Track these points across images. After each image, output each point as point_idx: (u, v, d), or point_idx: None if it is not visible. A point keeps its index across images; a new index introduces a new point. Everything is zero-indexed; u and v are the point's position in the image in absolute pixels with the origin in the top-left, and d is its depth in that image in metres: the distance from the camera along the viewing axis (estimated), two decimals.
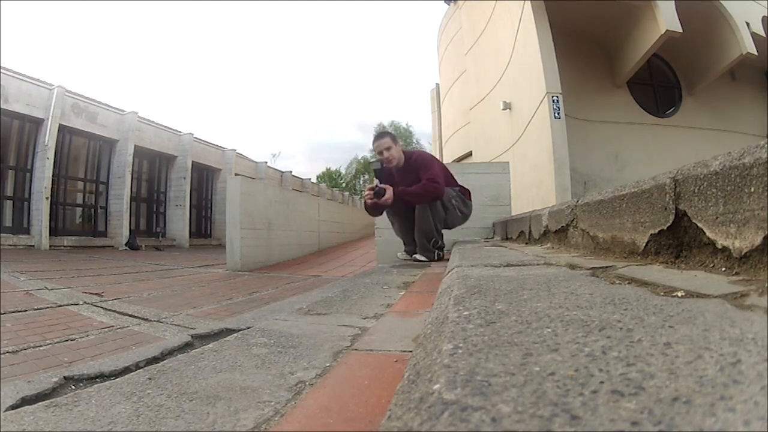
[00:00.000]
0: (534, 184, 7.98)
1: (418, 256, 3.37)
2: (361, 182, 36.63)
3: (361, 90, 77.06)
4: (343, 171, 37.65)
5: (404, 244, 3.72)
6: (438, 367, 0.43)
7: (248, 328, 1.29)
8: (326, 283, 3.94)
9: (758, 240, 0.70)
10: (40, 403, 0.73)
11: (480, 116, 11.55)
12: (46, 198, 8.63)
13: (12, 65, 9.61)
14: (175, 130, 12.78)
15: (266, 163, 17.16)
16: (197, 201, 14.00)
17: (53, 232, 9.06)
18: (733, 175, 0.76)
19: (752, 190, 0.71)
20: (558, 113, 7.24)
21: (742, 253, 0.75)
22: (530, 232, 2.64)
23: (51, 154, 8.76)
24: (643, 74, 8.81)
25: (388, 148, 3.31)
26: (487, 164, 6.23)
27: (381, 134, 3.39)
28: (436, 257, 3.31)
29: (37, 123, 8.87)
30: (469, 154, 12.49)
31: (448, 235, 4.69)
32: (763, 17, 8.41)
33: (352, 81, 74.96)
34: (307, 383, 0.78)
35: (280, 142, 66.92)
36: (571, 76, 7.98)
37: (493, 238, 4.33)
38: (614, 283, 0.84)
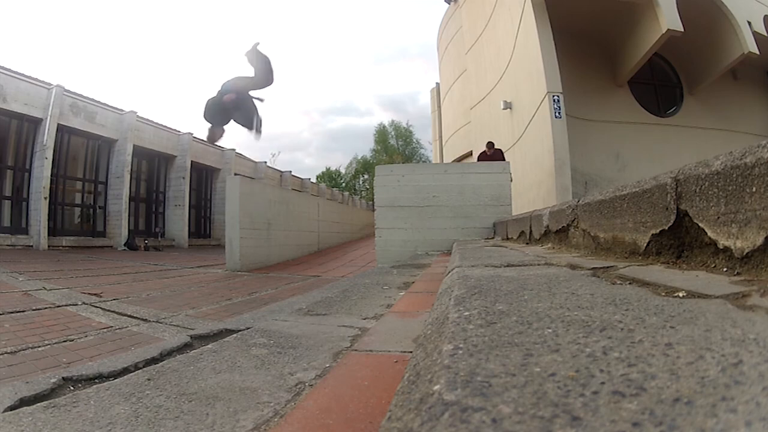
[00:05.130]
0: (535, 183, 7.98)
1: None
2: (361, 182, 36.64)
3: (361, 89, 77.08)
4: (342, 171, 37.70)
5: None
6: (438, 368, 0.43)
7: (248, 328, 1.28)
8: (326, 284, 3.94)
9: (760, 240, 0.70)
10: (38, 404, 0.73)
11: (480, 116, 11.56)
12: (45, 198, 8.62)
13: (10, 64, 9.56)
14: (174, 130, 12.76)
15: (265, 162, 17.17)
16: (196, 201, 14.00)
17: (52, 232, 9.04)
18: (734, 175, 0.76)
19: (754, 190, 0.71)
20: (559, 113, 7.24)
21: (744, 254, 0.75)
22: (531, 232, 2.64)
23: (49, 154, 8.74)
24: (645, 74, 8.81)
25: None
26: (487, 164, 6.22)
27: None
28: None
29: (36, 122, 8.86)
30: (470, 154, 12.49)
31: (447, 235, 4.71)
32: (765, 16, 8.41)
33: (353, 80, 74.96)
34: (306, 384, 0.78)
35: (278, 142, 66.82)
36: (572, 75, 7.98)
37: (493, 238, 4.33)
38: (615, 283, 0.84)
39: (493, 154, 7.20)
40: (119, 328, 2.25)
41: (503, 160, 7.16)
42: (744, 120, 9.19)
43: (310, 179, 21.26)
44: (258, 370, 0.86)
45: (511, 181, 4.97)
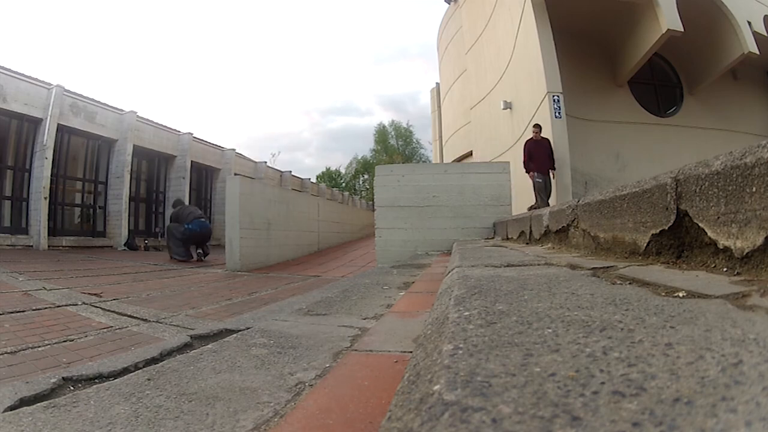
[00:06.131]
0: None
1: None
2: (361, 182, 36.64)
3: (361, 89, 77.00)
4: (342, 171, 37.70)
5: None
6: (438, 368, 0.43)
7: (248, 328, 1.28)
8: (326, 284, 3.94)
9: (760, 240, 0.70)
10: (38, 404, 0.73)
11: (480, 116, 11.56)
12: (45, 198, 8.61)
13: (10, 64, 9.56)
14: (174, 130, 12.76)
15: (266, 162, 17.16)
16: (196, 201, 13.98)
17: (52, 232, 9.04)
18: (734, 175, 0.76)
19: (754, 190, 0.71)
20: (559, 113, 7.24)
21: (744, 254, 0.75)
22: (531, 232, 2.64)
23: (50, 154, 8.73)
24: (645, 73, 8.81)
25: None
26: (487, 164, 6.22)
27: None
28: None
29: (36, 122, 8.85)
30: (470, 154, 12.49)
31: (447, 235, 4.71)
32: (765, 16, 8.41)
33: (353, 80, 74.92)
34: (306, 384, 0.78)
35: (278, 142, 66.71)
36: (572, 75, 7.98)
37: (493, 238, 4.33)
38: (615, 283, 0.84)
39: (540, 141, 6.82)
40: (119, 328, 2.25)
41: (551, 149, 6.85)
42: (744, 120, 9.19)
43: (310, 179, 21.25)
44: (258, 370, 0.86)
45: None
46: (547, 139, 6.96)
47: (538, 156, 6.78)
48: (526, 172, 6.96)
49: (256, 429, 0.60)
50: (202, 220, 7.45)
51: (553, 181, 6.98)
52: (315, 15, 73.44)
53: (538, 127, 6.93)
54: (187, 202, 12.76)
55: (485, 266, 1.31)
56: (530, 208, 5.57)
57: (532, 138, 6.92)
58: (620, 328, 0.52)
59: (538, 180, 6.78)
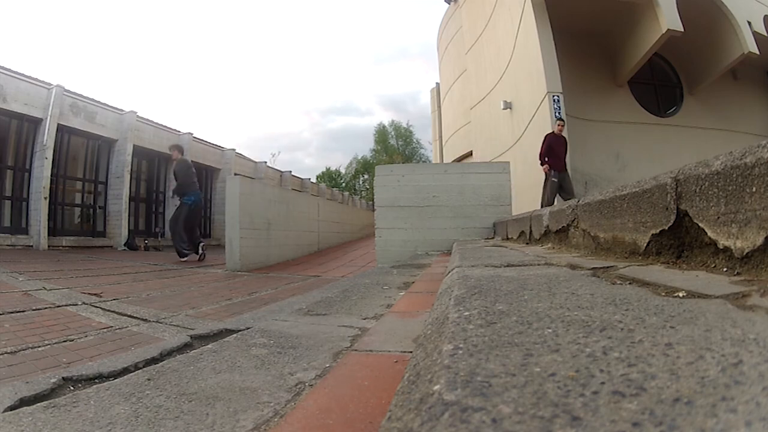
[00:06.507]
0: (535, 183, 7.97)
1: None
2: (361, 182, 36.64)
3: (361, 89, 76.93)
4: (342, 171, 37.71)
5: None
6: (438, 368, 0.43)
7: (248, 328, 1.29)
8: (326, 284, 3.94)
9: (760, 240, 0.70)
10: (38, 404, 0.73)
11: (480, 116, 11.56)
12: (45, 198, 8.61)
13: (10, 64, 9.56)
14: (174, 130, 12.76)
15: (266, 162, 17.16)
16: None
17: (52, 232, 9.03)
18: (734, 175, 0.76)
19: (754, 190, 0.71)
20: (559, 113, 7.24)
21: (744, 254, 0.75)
22: (531, 232, 2.64)
23: (49, 154, 8.73)
24: (645, 74, 8.81)
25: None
26: (487, 164, 6.22)
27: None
28: None
29: (36, 122, 8.85)
30: (470, 154, 12.50)
31: (447, 235, 4.71)
32: (765, 16, 8.41)
33: (353, 80, 74.85)
34: (306, 384, 0.78)
35: (278, 142, 66.69)
36: (572, 75, 7.98)
37: (493, 238, 4.33)
38: (615, 283, 0.84)
39: (560, 137, 6.55)
40: (119, 328, 2.25)
41: (566, 146, 6.62)
42: (744, 120, 9.20)
43: (310, 179, 21.24)
44: (258, 370, 0.86)
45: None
46: (564, 137, 6.73)
47: (557, 151, 6.51)
48: (541, 164, 6.65)
49: (256, 429, 0.60)
50: (199, 191, 7.82)
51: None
52: (315, 15, 73.45)
53: (562, 121, 6.72)
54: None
55: (485, 266, 1.31)
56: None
57: (553, 132, 6.67)
58: (620, 328, 0.52)
59: (553, 179, 6.47)
